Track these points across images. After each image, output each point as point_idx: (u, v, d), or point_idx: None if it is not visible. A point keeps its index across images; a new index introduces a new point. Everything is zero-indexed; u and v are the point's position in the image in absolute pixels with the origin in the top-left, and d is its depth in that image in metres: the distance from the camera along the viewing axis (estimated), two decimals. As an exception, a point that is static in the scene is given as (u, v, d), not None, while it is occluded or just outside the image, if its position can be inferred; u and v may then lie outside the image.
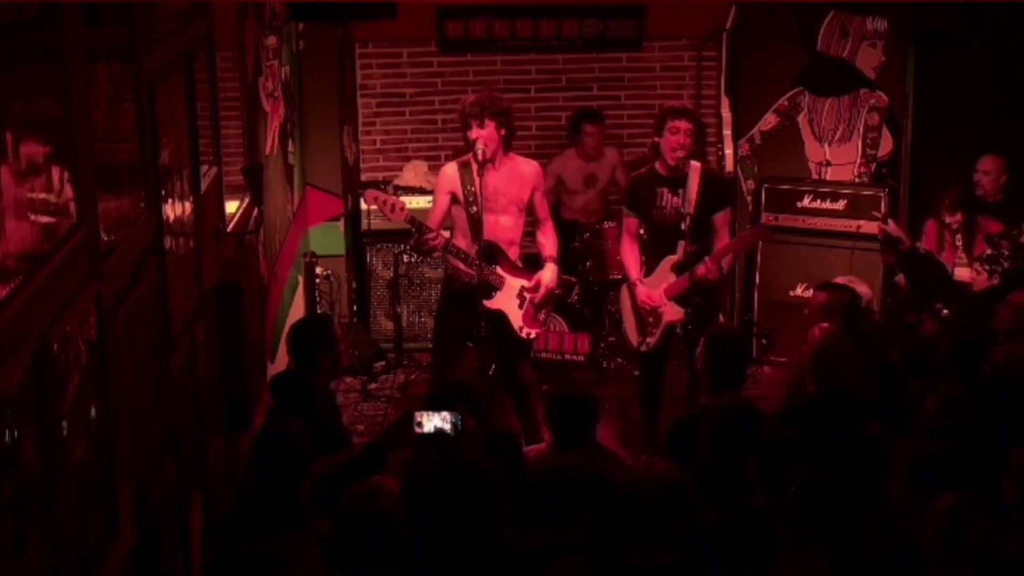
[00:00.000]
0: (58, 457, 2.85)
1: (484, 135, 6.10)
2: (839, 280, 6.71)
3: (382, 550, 3.67)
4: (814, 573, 3.75)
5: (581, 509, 3.86)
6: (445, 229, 6.34)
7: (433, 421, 4.25)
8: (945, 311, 6.37)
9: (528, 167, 6.36)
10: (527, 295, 6.33)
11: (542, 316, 6.46)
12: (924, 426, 4.50)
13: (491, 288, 6.24)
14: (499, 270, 6.27)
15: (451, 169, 6.32)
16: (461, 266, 6.27)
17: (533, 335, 6.46)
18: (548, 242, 6.49)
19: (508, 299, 6.31)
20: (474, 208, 6.17)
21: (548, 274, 6.39)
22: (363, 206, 8.19)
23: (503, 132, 6.16)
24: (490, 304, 6.22)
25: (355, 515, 3.73)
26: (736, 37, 8.36)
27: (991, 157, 7.31)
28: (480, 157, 6.07)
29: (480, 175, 6.08)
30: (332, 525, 3.84)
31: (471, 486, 3.62)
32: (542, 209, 6.45)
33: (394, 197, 6.41)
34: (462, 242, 6.27)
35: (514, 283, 6.32)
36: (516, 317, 6.34)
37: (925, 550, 3.68)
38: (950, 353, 5.35)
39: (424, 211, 6.69)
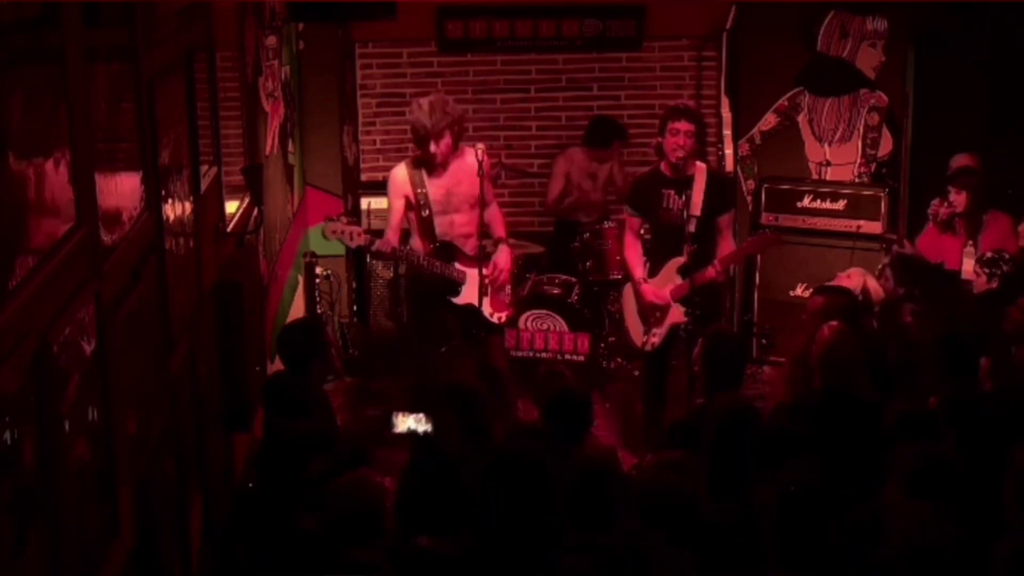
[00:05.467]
0: (58, 457, 2.85)
1: (441, 148, 6.17)
2: (845, 275, 6.68)
3: (369, 541, 3.68)
4: None
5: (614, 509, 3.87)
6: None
7: (407, 422, 4.29)
8: (931, 317, 6.34)
9: (466, 157, 6.30)
10: (488, 282, 6.40)
11: (507, 297, 6.58)
12: (923, 426, 4.49)
13: (456, 285, 6.34)
14: (459, 266, 6.36)
15: (401, 173, 6.33)
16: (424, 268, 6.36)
17: (505, 318, 6.58)
18: (496, 223, 6.52)
19: (474, 291, 6.38)
20: (426, 212, 6.26)
21: (503, 256, 6.45)
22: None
23: (456, 135, 6.21)
24: (459, 301, 6.36)
25: (341, 508, 3.75)
26: (736, 37, 8.36)
27: (964, 156, 7.36)
28: (437, 161, 6.17)
29: (432, 177, 6.19)
30: (319, 520, 3.85)
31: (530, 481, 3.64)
32: (488, 192, 6.39)
33: (350, 226, 6.46)
34: (418, 243, 6.36)
35: (475, 274, 6.37)
36: (485, 305, 6.43)
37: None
38: (933, 348, 5.34)
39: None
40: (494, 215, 6.53)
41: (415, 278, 6.55)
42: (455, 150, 6.24)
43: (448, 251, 6.33)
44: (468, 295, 6.36)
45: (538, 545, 3.61)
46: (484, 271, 6.34)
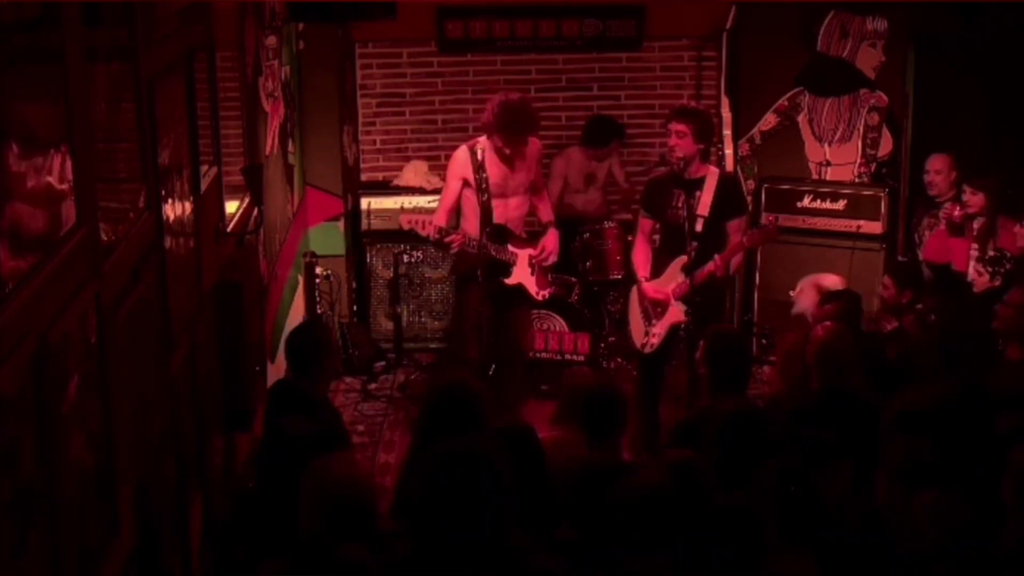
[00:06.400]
0: (58, 457, 2.85)
1: (497, 140, 6.47)
2: (827, 279, 6.67)
3: (361, 541, 3.67)
4: (803, 573, 3.74)
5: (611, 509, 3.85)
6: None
7: None
8: (932, 316, 6.31)
9: (531, 147, 6.67)
10: (535, 262, 6.71)
11: (550, 277, 6.91)
12: (912, 422, 4.47)
13: (508, 266, 6.63)
14: (511, 248, 6.65)
15: (463, 155, 6.58)
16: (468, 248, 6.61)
17: (548, 295, 6.92)
18: (545, 207, 6.92)
19: (523, 271, 6.71)
20: (485, 196, 6.50)
21: (552, 239, 6.78)
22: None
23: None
24: (510, 281, 6.66)
25: (334, 506, 3.74)
26: (736, 37, 8.35)
27: (939, 156, 7.34)
28: (506, 152, 6.48)
29: (493, 162, 6.47)
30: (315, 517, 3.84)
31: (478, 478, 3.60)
32: (539, 178, 6.85)
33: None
34: (472, 223, 6.57)
35: (524, 255, 6.69)
36: (531, 285, 6.75)
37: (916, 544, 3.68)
38: (931, 349, 5.34)
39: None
40: (544, 200, 6.92)
41: (459, 259, 6.81)
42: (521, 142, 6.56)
43: (502, 233, 6.61)
44: (517, 275, 6.69)
45: (485, 546, 3.55)
46: (532, 252, 6.69)
